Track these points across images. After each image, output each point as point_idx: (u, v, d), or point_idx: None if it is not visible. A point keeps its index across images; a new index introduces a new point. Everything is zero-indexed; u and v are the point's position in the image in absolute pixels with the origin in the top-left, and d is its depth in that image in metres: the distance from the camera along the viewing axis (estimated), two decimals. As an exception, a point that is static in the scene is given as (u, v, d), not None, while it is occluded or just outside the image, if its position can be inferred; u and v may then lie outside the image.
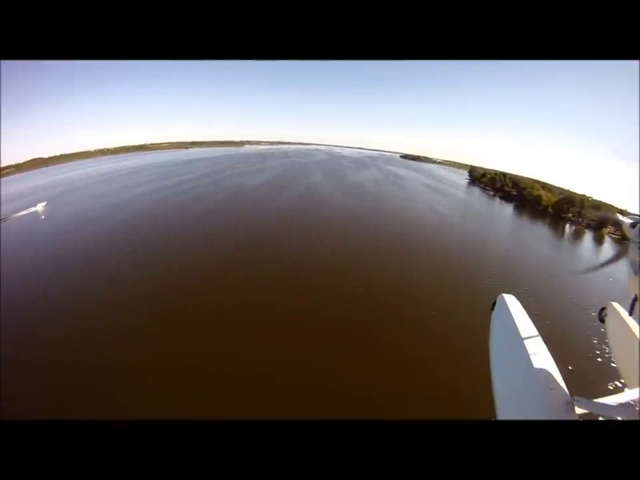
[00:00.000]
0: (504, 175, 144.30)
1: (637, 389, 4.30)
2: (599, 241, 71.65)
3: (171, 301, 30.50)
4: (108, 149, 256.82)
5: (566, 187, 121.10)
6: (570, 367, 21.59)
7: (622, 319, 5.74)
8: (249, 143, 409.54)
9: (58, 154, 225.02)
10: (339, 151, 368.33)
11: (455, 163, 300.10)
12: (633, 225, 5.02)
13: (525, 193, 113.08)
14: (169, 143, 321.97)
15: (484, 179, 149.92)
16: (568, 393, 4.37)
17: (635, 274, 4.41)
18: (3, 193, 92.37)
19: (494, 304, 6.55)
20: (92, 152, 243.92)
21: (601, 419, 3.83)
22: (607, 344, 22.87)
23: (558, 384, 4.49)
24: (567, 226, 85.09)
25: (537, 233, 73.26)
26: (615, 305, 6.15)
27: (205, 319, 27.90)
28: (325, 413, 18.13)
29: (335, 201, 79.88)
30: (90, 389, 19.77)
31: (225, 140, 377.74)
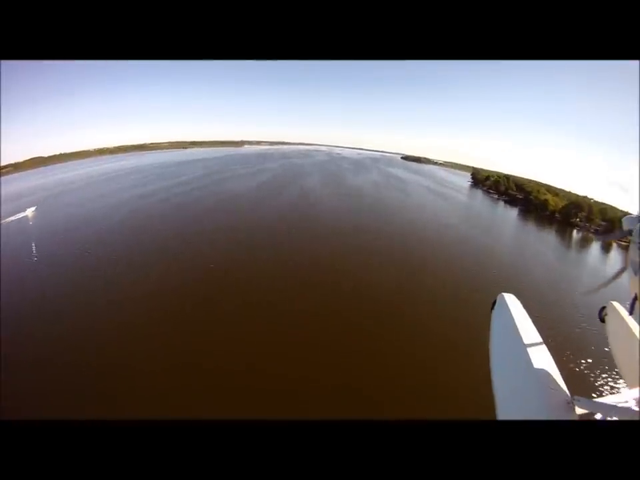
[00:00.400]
0: (507, 177, 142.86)
1: (637, 389, 4.30)
2: (606, 249, 70.07)
3: (171, 301, 30.50)
4: (107, 149, 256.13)
5: (567, 189, 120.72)
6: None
7: (622, 319, 5.72)
8: (248, 143, 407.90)
9: (57, 153, 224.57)
10: (339, 151, 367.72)
11: (456, 164, 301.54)
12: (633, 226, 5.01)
13: (531, 197, 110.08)
14: (169, 142, 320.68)
15: (487, 182, 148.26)
16: (568, 393, 4.37)
17: (635, 274, 4.40)
18: (3, 192, 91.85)
19: (494, 303, 6.51)
20: (91, 151, 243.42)
21: (600, 418, 3.82)
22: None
23: (558, 384, 4.49)
24: (575, 232, 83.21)
25: (546, 240, 72.08)
26: (615, 304, 6.12)
27: (205, 318, 27.93)
28: (324, 412, 18.14)
29: (333, 202, 79.75)
30: (90, 389, 19.76)
31: (224, 140, 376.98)
